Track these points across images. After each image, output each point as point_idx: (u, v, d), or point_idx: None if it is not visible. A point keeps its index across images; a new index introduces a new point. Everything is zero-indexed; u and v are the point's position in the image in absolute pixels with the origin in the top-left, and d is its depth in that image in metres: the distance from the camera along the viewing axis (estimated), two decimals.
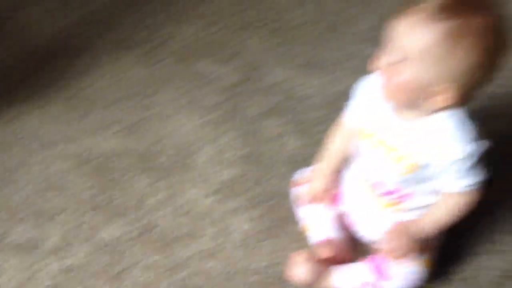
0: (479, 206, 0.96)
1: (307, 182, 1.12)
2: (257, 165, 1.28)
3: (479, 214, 1.11)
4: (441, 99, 0.86)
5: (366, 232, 1.08)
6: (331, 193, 1.09)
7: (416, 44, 0.83)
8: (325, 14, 1.74)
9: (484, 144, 0.88)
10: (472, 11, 0.82)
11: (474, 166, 0.89)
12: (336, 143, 1.08)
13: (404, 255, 0.94)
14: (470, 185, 0.91)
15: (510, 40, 0.86)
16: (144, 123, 1.41)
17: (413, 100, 0.87)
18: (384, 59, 0.88)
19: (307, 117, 1.39)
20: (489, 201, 1.14)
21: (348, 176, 1.09)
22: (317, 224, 1.08)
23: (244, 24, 1.74)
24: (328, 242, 1.05)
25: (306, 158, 1.28)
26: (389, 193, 0.99)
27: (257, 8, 1.80)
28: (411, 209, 1.00)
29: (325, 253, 1.03)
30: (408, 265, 0.97)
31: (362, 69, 1.52)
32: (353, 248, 1.07)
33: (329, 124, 1.35)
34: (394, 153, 0.93)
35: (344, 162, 1.08)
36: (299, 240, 1.12)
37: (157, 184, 1.25)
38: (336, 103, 1.41)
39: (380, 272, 0.98)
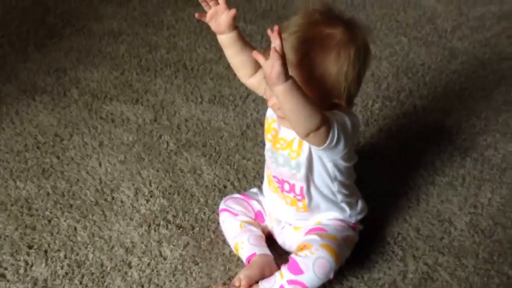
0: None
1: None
2: (177, 197, 1.35)
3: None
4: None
5: (286, 242, 1.20)
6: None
7: None
8: (224, 53, 1.87)
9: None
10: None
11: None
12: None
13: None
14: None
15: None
16: (59, 167, 1.43)
17: None
18: (271, 101, 1.05)
19: (219, 149, 1.49)
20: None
21: (264, 185, 1.22)
22: (245, 242, 1.17)
23: (148, 66, 1.82)
24: (244, 275, 1.11)
25: (222, 187, 1.38)
26: (289, 190, 1.13)
27: (159, 50, 1.90)
28: (312, 209, 1.14)
29: (242, 286, 1.10)
30: (316, 255, 1.06)
31: (265, 102, 1.67)
32: (274, 261, 1.17)
33: (242, 153, 1.48)
34: (282, 141, 1.10)
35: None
36: (227, 262, 1.20)
37: (83, 222, 1.28)
38: (245, 135, 1.54)
39: (293, 268, 1.07)
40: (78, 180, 1.40)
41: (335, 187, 1.12)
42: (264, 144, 1.47)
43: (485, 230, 1.27)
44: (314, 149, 1.05)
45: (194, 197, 1.35)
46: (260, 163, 1.44)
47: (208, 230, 1.27)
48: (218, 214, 1.25)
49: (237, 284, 1.11)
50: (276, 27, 0.91)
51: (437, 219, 1.29)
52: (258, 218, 1.23)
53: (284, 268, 1.09)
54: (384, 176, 1.40)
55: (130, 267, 1.19)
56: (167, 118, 1.60)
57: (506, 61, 1.83)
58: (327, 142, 1.00)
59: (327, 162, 1.08)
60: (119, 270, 1.18)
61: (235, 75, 1.75)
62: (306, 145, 1.07)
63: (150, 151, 1.49)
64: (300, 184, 1.11)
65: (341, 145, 1.02)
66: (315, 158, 1.08)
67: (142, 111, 1.63)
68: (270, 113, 1.14)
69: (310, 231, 1.14)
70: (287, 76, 0.93)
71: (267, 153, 1.15)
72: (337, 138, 1.00)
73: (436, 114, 1.62)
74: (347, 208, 1.16)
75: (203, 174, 1.42)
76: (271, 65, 0.92)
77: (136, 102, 1.67)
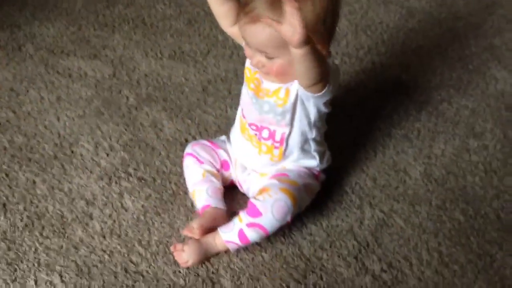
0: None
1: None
2: (138, 150, 1.35)
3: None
4: None
5: (250, 189, 1.21)
6: None
7: (271, 45, 1.03)
8: (184, 9, 1.85)
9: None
10: None
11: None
12: None
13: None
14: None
15: None
16: (16, 121, 1.41)
17: (290, 73, 1.07)
18: (254, 60, 1.08)
19: (180, 104, 1.49)
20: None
21: (235, 134, 1.23)
22: (203, 191, 1.19)
23: (106, 21, 1.79)
24: (198, 224, 1.13)
25: (184, 140, 1.38)
26: (268, 137, 1.16)
27: (117, 6, 1.86)
28: (286, 157, 1.16)
29: (194, 234, 1.12)
30: (275, 198, 1.09)
31: (225, 58, 1.67)
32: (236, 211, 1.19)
33: (203, 108, 1.48)
34: (266, 91, 1.13)
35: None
36: (189, 212, 1.21)
37: (42, 175, 1.27)
38: (206, 90, 1.54)
39: (252, 211, 1.10)
40: (35, 134, 1.38)
41: (312, 134, 1.16)
42: (226, 98, 1.50)
43: (438, 179, 1.31)
44: (309, 95, 1.08)
45: (155, 150, 1.35)
46: (221, 117, 1.45)
47: (170, 182, 1.28)
48: (182, 159, 1.25)
49: (188, 233, 1.13)
50: None
51: (393, 169, 1.33)
52: (223, 167, 1.24)
53: (242, 213, 1.12)
54: (343, 128, 1.43)
55: (92, 219, 1.19)
56: (127, 73, 1.59)
57: (461, 20, 1.87)
58: (325, 89, 1.06)
59: (312, 108, 1.12)
60: (80, 222, 1.18)
61: (195, 31, 1.77)
62: (293, 92, 1.10)
63: (110, 105, 1.47)
64: (282, 130, 1.14)
65: (330, 92, 1.09)
66: (299, 104, 1.11)
67: (100, 66, 1.60)
68: (249, 64, 1.15)
69: (273, 177, 1.16)
70: (306, 41, 0.94)
71: (251, 100, 1.16)
72: (330, 86, 1.06)
73: (393, 70, 1.65)
74: (317, 157, 1.19)
75: (164, 128, 1.41)
76: (291, 32, 0.92)
77: (94, 58, 1.64)
